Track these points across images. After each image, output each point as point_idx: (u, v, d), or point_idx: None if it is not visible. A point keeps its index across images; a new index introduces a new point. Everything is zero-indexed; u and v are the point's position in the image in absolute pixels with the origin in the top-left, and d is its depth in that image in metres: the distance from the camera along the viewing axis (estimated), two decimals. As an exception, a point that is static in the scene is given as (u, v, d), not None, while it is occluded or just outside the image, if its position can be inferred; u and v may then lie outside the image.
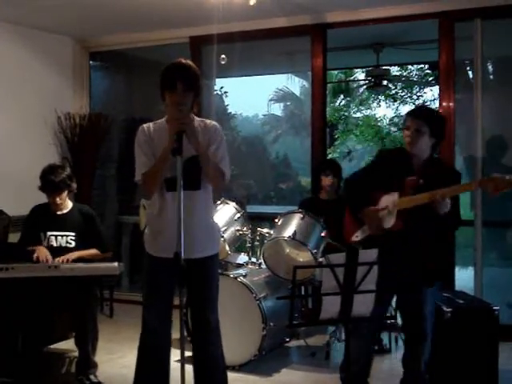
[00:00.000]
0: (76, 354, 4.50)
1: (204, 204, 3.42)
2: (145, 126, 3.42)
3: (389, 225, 3.50)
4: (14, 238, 5.07)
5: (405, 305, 3.66)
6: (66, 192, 4.61)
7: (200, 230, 3.39)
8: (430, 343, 3.64)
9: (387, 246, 3.24)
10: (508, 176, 3.14)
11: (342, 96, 17.68)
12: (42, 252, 4.47)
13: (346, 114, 17.29)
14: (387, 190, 3.53)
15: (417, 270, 3.48)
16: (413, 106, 17.38)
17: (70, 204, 4.71)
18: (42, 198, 4.64)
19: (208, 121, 3.48)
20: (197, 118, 3.44)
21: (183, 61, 3.36)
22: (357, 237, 3.69)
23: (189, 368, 3.19)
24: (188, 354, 3.22)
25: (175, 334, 3.47)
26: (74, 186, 4.69)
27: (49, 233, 4.61)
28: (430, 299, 3.61)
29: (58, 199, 4.57)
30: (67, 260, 4.43)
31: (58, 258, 4.44)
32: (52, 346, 4.91)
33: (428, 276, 3.55)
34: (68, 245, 4.59)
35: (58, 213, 4.65)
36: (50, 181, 4.51)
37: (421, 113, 3.61)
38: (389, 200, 3.52)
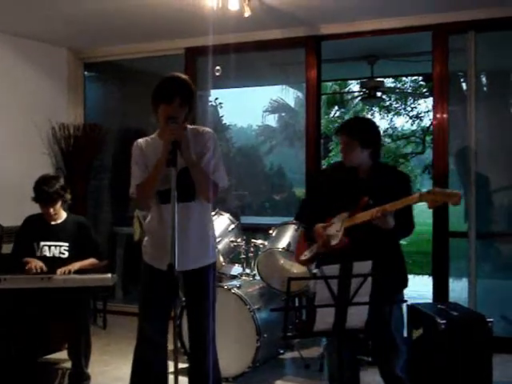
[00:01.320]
0: (69, 365, 4.48)
1: (198, 215, 3.40)
2: (139, 140, 3.44)
3: (335, 242, 3.47)
4: (7, 248, 5.05)
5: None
6: (59, 203, 4.61)
7: (194, 242, 3.38)
8: (404, 353, 3.60)
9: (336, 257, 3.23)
10: (448, 190, 3.11)
11: (336, 107, 17.74)
12: (34, 261, 4.46)
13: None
14: (341, 208, 3.52)
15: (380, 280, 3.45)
16: (407, 118, 17.46)
17: (64, 214, 4.71)
18: (36, 209, 4.64)
19: (202, 128, 3.48)
20: (189, 126, 3.45)
21: (181, 75, 3.41)
22: (305, 255, 3.73)
23: (183, 380, 3.18)
24: (182, 365, 3.21)
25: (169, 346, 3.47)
26: (68, 196, 4.69)
27: (42, 243, 4.60)
28: (396, 310, 3.54)
29: (51, 210, 4.56)
30: (69, 271, 4.43)
31: (59, 269, 4.43)
32: (45, 358, 4.88)
33: (384, 293, 3.50)
34: (61, 255, 4.58)
35: (52, 223, 4.65)
36: (43, 192, 4.50)
37: (346, 128, 3.67)
38: (338, 218, 3.52)
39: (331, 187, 3.65)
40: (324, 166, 12.87)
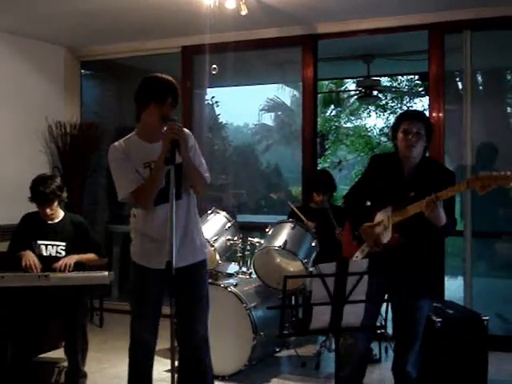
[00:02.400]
0: (65, 363, 4.49)
1: (185, 213, 3.42)
2: (117, 144, 3.46)
3: (386, 239, 3.48)
4: (3, 247, 5.04)
5: (400, 309, 3.58)
6: (56, 203, 4.60)
7: (183, 239, 3.39)
8: (419, 352, 3.64)
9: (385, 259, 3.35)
10: (494, 172, 3.11)
11: (332, 106, 17.72)
12: (29, 257, 4.45)
13: (336, 124, 17.32)
14: (382, 202, 3.54)
15: (415, 281, 3.50)
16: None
17: (61, 213, 4.70)
18: (33, 207, 4.63)
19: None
20: None
21: (169, 78, 3.44)
22: (357, 257, 3.65)
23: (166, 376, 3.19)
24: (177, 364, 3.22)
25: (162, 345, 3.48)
26: (65, 195, 4.68)
27: (39, 242, 4.59)
28: (425, 306, 3.60)
29: (48, 210, 4.56)
30: (66, 264, 4.43)
31: (57, 263, 4.43)
32: (42, 356, 4.88)
33: (425, 287, 3.57)
34: (58, 254, 4.58)
35: (49, 222, 4.64)
36: (39, 192, 4.50)
37: (419, 115, 3.60)
38: (383, 215, 3.52)
39: (379, 177, 3.63)
40: (320, 165, 12.88)
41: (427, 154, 3.68)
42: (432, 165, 3.63)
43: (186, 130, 3.46)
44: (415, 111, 3.80)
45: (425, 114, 3.79)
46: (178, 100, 3.39)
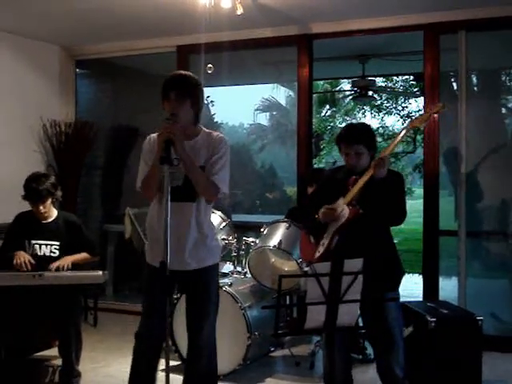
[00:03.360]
0: (60, 362, 4.48)
1: (198, 216, 3.39)
2: (151, 135, 3.45)
3: (345, 216, 3.54)
4: (-3, 245, 5.03)
5: (368, 314, 3.58)
6: (49, 201, 4.58)
7: (192, 242, 3.37)
8: (402, 349, 3.63)
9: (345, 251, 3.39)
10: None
11: (327, 106, 17.77)
12: (21, 255, 4.44)
13: (331, 124, 17.36)
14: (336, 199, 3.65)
15: (374, 274, 3.50)
16: (398, 117, 17.50)
17: (55, 212, 4.69)
18: (27, 206, 4.62)
19: (215, 133, 3.50)
20: (204, 130, 3.47)
21: (182, 72, 3.43)
22: (319, 252, 3.69)
23: (175, 378, 3.18)
24: (173, 363, 3.21)
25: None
26: (59, 193, 4.67)
27: (33, 241, 4.58)
28: (393, 305, 3.61)
29: (41, 208, 4.54)
30: (62, 266, 4.42)
31: (53, 264, 4.42)
32: (35, 355, 4.87)
33: (388, 278, 3.57)
34: (52, 254, 4.56)
35: (43, 221, 4.63)
36: (33, 189, 4.48)
37: (355, 137, 3.66)
38: (336, 202, 3.63)
39: (330, 187, 3.75)
40: (315, 165, 12.90)
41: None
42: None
43: (220, 135, 3.46)
44: (351, 131, 3.75)
45: (362, 131, 3.74)
46: (186, 93, 3.30)
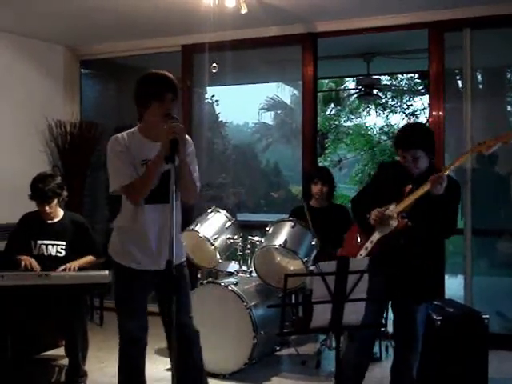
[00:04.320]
0: (66, 362, 4.49)
1: (176, 215, 3.39)
2: (118, 135, 3.42)
3: (393, 226, 3.49)
4: (2, 245, 5.04)
5: (399, 310, 3.63)
6: (55, 201, 4.60)
7: (167, 242, 3.36)
8: (419, 353, 3.65)
9: (389, 256, 3.40)
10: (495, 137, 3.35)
11: (332, 105, 17.71)
12: (27, 259, 4.47)
13: (336, 122, 17.32)
14: (389, 202, 3.57)
15: (414, 282, 3.51)
16: (403, 115, 17.47)
17: (61, 212, 4.70)
18: (33, 206, 4.63)
19: None
20: None
21: (167, 73, 3.42)
22: (361, 255, 3.64)
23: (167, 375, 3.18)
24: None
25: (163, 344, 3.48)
26: (65, 193, 4.68)
27: (39, 241, 4.60)
28: (423, 308, 3.62)
29: (47, 208, 4.56)
30: (69, 269, 4.43)
31: (61, 267, 4.45)
32: (42, 354, 4.89)
33: (424, 292, 3.59)
34: (58, 254, 4.58)
35: (49, 221, 4.64)
36: (39, 189, 4.50)
37: (411, 143, 3.52)
38: (388, 207, 3.55)
39: (387, 181, 3.67)
40: (320, 164, 12.87)
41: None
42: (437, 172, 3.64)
43: (186, 136, 3.45)
44: (407, 135, 3.60)
45: (418, 135, 3.58)
46: (177, 94, 3.35)
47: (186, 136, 3.42)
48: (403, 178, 3.57)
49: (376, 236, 3.61)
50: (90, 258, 4.65)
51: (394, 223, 3.49)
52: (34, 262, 4.46)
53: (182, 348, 3.50)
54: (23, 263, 4.42)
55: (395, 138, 3.70)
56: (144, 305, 3.46)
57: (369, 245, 3.64)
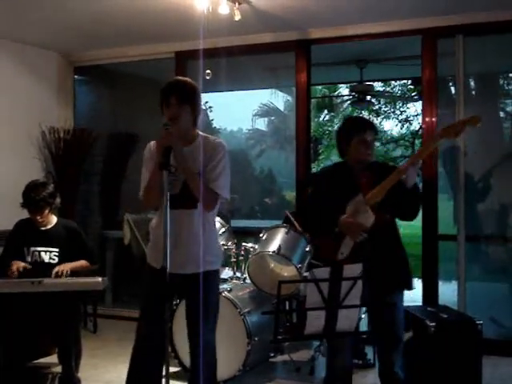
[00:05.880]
0: (59, 369, 4.47)
1: (199, 223, 3.37)
2: (151, 142, 3.44)
3: (370, 222, 3.41)
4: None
5: (378, 313, 3.58)
6: (46, 210, 4.58)
7: (194, 248, 3.36)
8: (402, 351, 3.62)
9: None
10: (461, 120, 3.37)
11: (325, 111, 17.78)
12: (15, 264, 4.46)
13: (329, 128, 17.38)
14: (345, 202, 3.50)
15: (388, 274, 3.50)
16: (396, 122, 17.52)
17: (54, 219, 4.69)
18: (26, 213, 4.62)
19: (212, 137, 3.50)
20: (201, 134, 3.45)
21: (180, 78, 3.45)
22: (342, 254, 3.54)
23: None
24: (173, 369, 3.20)
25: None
26: (58, 201, 4.67)
27: (32, 248, 4.58)
28: (401, 304, 3.61)
29: (38, 217, 4.55)
30: (62, 271, 4.42)
31: (55, 269, 4.43)
32: (35, 362, 4.86)
33: (401, 278, 3.60)
34: (51, 261, 4.57)
35: (42, 228, 4.63)
36: (30, 199, 4.49)
37: (371, 124, 3.69)
38: (355, 204, 3.46)
39: (333, 185, 3.61)
40: (314, 170, 12.90)
41: None
42: (377, 164, 3.70)
43: (218, 139, 3.46)
44: (361, 118, 3.84)
45: (371, 122, 3.85)
46: (186, 98, 3.31)
47: (219, 140, 3.45)
48: (345, 175, 3.58)
49: (349, 242, 3.51)
50: (83, 262, 4.63)
51: (370, 220, 3.41)
52: (21, 264, 4.45)
53: (191, 357, 3.49)
54: (14, 266, 4.41)
55: (350, 125, 3.69)
56: (159, 306, 3.25)
57: (348, 241, 3.52)
